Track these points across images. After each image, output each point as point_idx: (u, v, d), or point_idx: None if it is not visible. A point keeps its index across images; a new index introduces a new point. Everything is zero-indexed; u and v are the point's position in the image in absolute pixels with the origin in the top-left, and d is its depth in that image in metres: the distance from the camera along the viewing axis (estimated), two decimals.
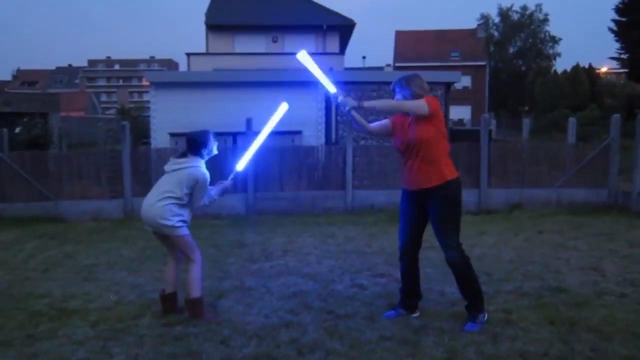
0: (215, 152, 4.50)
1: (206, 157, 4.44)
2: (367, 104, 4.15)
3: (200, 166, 4.33)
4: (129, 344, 3.89)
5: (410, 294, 4.40)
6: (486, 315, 4.16)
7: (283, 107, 4.78)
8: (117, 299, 4.96)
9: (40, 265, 6.42)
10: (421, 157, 4.12)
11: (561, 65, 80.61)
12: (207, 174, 4.33)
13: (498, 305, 4.54)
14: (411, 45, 48.96)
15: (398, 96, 4.26)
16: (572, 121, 11.33)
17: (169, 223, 4.24)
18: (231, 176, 4.66)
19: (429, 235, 7.68)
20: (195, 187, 4.28)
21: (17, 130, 14.66)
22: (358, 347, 3.74)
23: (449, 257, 4.17)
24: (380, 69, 46.51)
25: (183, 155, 4.41)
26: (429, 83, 14.69)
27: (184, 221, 4.33)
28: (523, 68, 56.08)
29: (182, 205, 4.30)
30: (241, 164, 4.74)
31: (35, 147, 13.66)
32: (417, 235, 4.38)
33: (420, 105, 4.03)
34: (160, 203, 4.25)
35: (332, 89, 4.29)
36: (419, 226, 4.34)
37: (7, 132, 10.19)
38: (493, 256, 6.35)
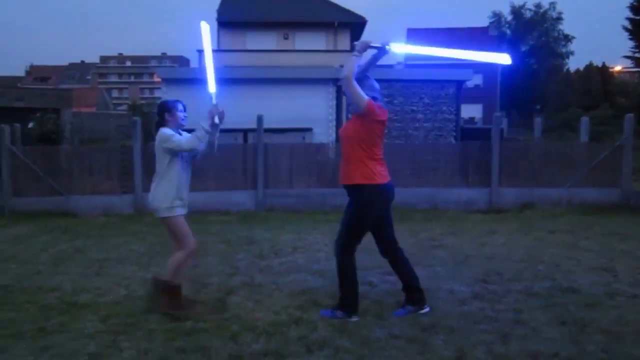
0: (182, 123, 4.43)
1: (172, 125, 4.38)
2: (352, 57, 4.12)
3: (160, 130, 4.33)
4: (139, 338, 3.91)
5: (409, 288, 4.42)
6: (348, 318, 4.16)
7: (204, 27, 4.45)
8: (127, 294, 4.99)
9: (51, 259, 6.47)
10: (343, 153, 4.29)
11: (574, 64, 79.80)
12: (167, 130, 4.30)
13: (508, 305, 4.52)
14: (422, 43, 48.65)
15: (349, 101, 4.32)
16: (584, 120, 11.23)
17: (155, 204, 4.32)
18: (213, 101, 4.41)
19: (438, 233, 7.68)
20: (167, 146, 4.26)
21: (30, 125, 14.76)
22: (367, 344, 3.73)
23: (334, 251, 4.38)
24: (391, 66, 46.38)
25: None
26: (441, 81, 14.73)
27: (171, 202, 4.28)
28: (535, 66, 55.69)
29: (170, 180, 4.29)
30: (211, 86, 4.45)
31: (48, 142, 13.77)
32: (379, 235, 4.42)
33: (361, 98, 4.10)
34: (152, 186, 4.37)
35: (398, 48, 4.26)
36: (372, 229, 4.37)
37: (20, 127, 10.26)
38: (503, 255, 6.32)
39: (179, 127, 4.42)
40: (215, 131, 4.41)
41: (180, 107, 4.44)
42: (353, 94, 4.11)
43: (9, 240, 7.65)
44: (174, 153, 4.31)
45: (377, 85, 4.34)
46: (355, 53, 4.15)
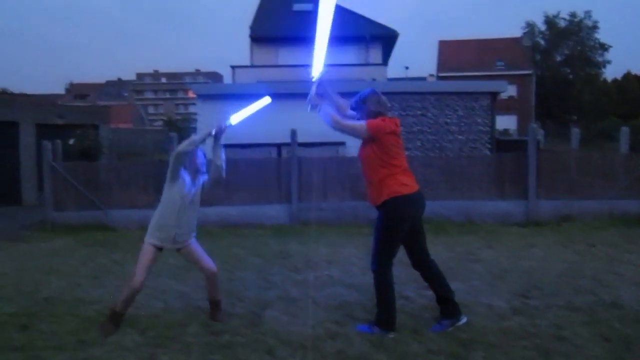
0: (201, 169, 4.51)
1: (190, 169, 4.47)
2: (323, 107, 4.24)
3: None
4: (177, 351, 3.95)
5: (442, 300, 4.35)
6: (384, 334, 4.09)
7: (265, 101, 4.75)
8: (165, 307, 5.04)
9: (91, 272, 6.60)
10: (365, 175, 4.28)
11: (611, 73, 78.07)
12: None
13: (549, 321, 4.41)
14: (454, 54, 48.46)
15: (358, 116, 4.34)
16: (624, 130, 10.94)
17: None
18: (223, 124, 4.45)
19: (474, 247, 7.56)
20: (170, 167, 4.37)
21: (71, 141, 15.15)
22: None
23: (371, 268, 4.30)
24: (423, 79, 46.18)
25: None
26: (475, 93, 14.46)
27: (150, 229, 4.46)
28: (570, 76, 54.69)
29: (160, 208, 4.46)
30: (236, 118, 4.56)
31: (87, 158, 14.09)
32: (410, 247, 4.37)
33: (358, 128, 4.15)
34: None
35: (316, 70, 4.33)
36: (403, 241, 4.31)
37: (61, 144, 10.54)
38: (542, 270, 6.17)
39: (196, 172, 4.50)
40: (218, 151, 4.45)
41: (200, 154, 4.51)
42: (349, 130, 4.20)
43: (50, 254, 7.84)
44: (172, 179, 4.39)
45: (383, 98, 4.30)
46: (320, 108, 4.26)
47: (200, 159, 4.48)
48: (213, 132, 4.37)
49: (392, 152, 4.16)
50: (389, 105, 4.33)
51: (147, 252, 4.40)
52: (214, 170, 4.46)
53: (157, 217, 4.46)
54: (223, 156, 4.46)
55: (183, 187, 4.40)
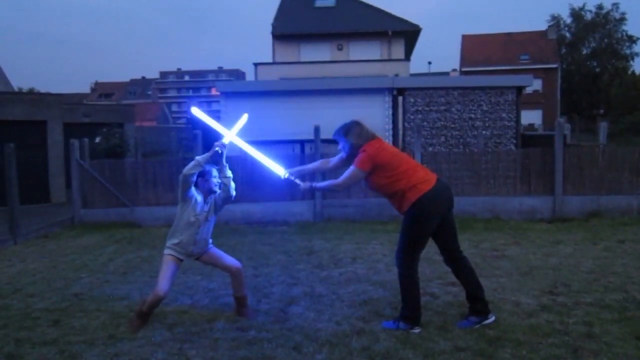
0: (214, 189, 4.49)
1: (204, 189, 4.49)
2: (317, 185, 4.58)
3: None
4: (204, 347, 3.99)
5: (472, 297, 4.31)
6: (410, 330, 4.10)
7: (243, 118, 4.85)
8: (192, 303, 5.10)
9: (119, 268, 6.71)
10: (385, 195, 4.31)
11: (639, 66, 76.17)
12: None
13: (578, 318, 4.34)
14: (478, 49, 47.92)
15: (340, 146, 4.41)
16: None
17: None
18: (221, 144, 4.43)
19: (500, 243, 7.48)
20: (179, 188, 4.39)
21: (97, 140, 15.38)
22: (431, 357, 3.67)
23: (395, 263, 4.34)
24: (446, 74, 45.80)
25: None
26: (500, 88, 14.21)
27: (169, 244, 4.49)
28: (597, 70, 53.70)
29: (176, 224, 4.48)
30: (227, 138, 4.59)
31: (113, 156, 14.28)
32: (442, 243, 4.37)
33: (355, 175, 4.22)
34: None
35: (280, 171, 4.63)
36: (434, 237, 4.31)
37: (87, 142, 10.71)
38: (571, 266, 6.09)
39: (210, 192, 4.51)
40: (223, 169, 4.46)
41: (214, 173, 4.52)
42: (350, 181, 4.30)
43: (79, 250, 7.99)
44: (184, 200, 4.42)
45: (365, 129, 4.30)
46: (315, 188, 4.58)
47: (213, 178, 4.51)
48: (220, 151, 4.39)
49: (395, 164, 4.17)
50: (371, 133, 4.32)
51: (168, 263, 4.47)
52: (222, 188, 4.49)
53: (173, 234, 4.51)
54: (228, 173, 4.47)
55: (196, 206, 4.43)
